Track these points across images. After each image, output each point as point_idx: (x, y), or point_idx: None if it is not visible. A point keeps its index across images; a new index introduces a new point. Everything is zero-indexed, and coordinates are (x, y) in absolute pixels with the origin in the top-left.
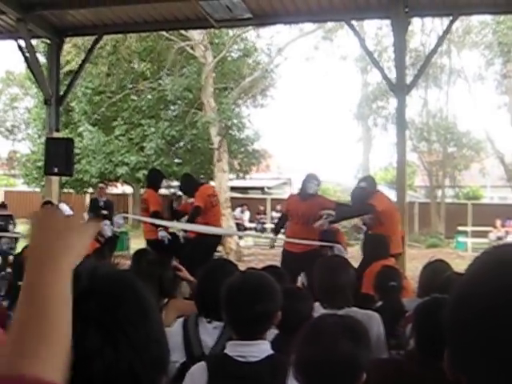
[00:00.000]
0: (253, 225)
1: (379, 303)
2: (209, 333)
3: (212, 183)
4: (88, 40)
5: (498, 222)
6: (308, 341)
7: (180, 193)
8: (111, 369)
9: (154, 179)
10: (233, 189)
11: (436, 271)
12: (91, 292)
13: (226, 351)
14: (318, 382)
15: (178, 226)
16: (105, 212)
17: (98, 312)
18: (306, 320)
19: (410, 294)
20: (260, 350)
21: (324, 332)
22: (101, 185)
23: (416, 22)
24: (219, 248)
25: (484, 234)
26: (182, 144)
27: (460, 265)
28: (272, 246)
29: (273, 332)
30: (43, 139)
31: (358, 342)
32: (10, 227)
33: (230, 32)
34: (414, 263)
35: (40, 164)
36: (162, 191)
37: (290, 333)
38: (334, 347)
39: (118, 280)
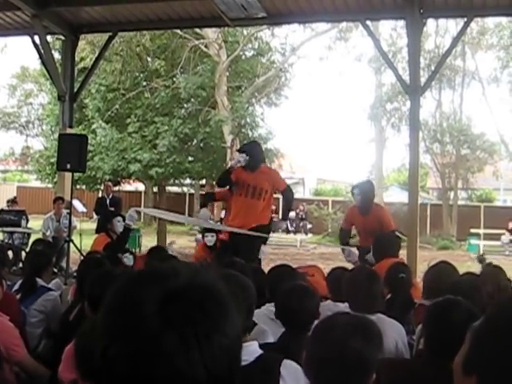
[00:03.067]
0: None
1: (388, 296)
2: None
3: None
4: (101, 36)
5: (511, 225)
6: (319, 338)
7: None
8: (177, 376)
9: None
10: None
11: (441, 273)
12: (185, 298)
13: None
14: (327, 379)
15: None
16: (111, 209)
17: (182, 319)
18: (313, 317)
19: (419, 294)
20: (248, 352)
21: (335, 330)
22: (107, 182)
23: (430, 24)
24: None
25: (496, 237)
26: (194, 142)
27: (472, 267)
28: None
29: (280, 330)
30: (57, 135)
31: (370, 342)
32: (23, 222)
33: (245, 31)
34: (425, 265)
35: (53, 160)
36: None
37: (297, 330)
38: (344, 345)
39: (213, 295)
